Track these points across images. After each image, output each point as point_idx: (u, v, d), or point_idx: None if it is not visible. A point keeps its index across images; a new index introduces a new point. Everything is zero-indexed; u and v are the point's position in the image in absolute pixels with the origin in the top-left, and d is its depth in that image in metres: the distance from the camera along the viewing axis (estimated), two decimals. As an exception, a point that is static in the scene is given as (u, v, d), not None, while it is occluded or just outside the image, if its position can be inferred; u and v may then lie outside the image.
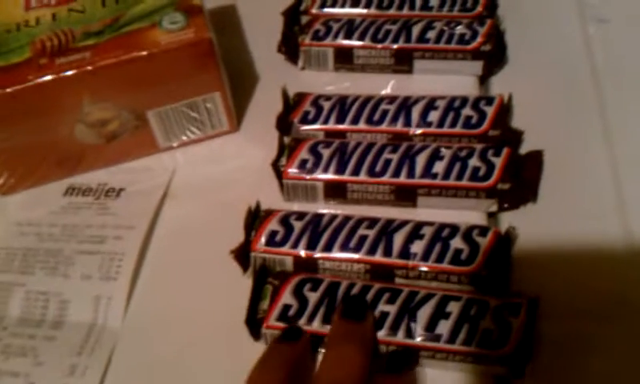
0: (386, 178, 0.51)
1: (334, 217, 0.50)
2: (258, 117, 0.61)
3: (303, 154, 0.53)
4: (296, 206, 0.54)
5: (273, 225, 0.50)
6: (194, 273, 0.51)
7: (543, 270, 0.48)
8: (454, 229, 0.48)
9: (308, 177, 0.53)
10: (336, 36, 0.61)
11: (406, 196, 0.52)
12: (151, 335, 0.49)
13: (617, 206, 0.51)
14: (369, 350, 0.42)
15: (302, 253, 0.48)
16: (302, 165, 0.53)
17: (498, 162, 0.50)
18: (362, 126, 0.55)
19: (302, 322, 0.45)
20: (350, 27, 0.61)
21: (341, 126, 0.56)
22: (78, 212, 0.56)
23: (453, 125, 0.54)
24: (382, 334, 0.44)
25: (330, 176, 0.52)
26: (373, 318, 0.44)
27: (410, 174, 0.51)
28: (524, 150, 0.54)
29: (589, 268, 0.48)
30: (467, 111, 0.54)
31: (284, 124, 0.57)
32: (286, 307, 0.45)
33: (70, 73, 0.51)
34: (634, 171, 0.53)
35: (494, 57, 0.59)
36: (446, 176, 0.50)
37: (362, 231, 0.48)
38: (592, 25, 0.63)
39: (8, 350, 0.49)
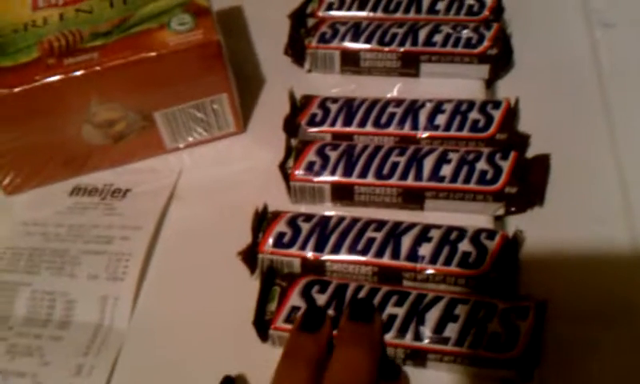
0: (393, 181, 0.51)
1: (341, 219, 0.50)
2: (264, 118, 0.61)
3: (310, 156, 0.53)
4: (303, 208, 0.54)
5: (280, 226, 0.50)
6: (200, 274, 0.51)
7: (550, 273, 0.48)
8: (461, 232, 0.48)
9: (315, 179, 0.53)
10: (342, 39, 0.61)
11: (413, 199, 0.52)
12: (158, 336, 0.49)
13: (623, 210, 0.51)
14: (376, 353, 0.42)
15: (310, 255, 0.48)
16: (310, 167, 0.53)
17: (506, 165, 0.51)
18: (369, 128, 0.55)
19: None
20: (356, 30, 0.61)
21: (348, 129, 0.56)
22: (85, 212, 0.56)
23: (460, 128, 0.54)
24: (390, 337, 0.44)
25: (337, 178, 0.52)
26: (380, 321, 0.44)
27: (418, 177, 0.51)
28: (531, 153, 0.54)
29: (595, 271, 0.48)
30: (474, 115, 0.54)
31: (291, 126, 0.57)
32: (294, 309, 0.45)
33: (77, 73, 0.51)
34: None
35: (500, 61, 0.59)
36: (454, 179, 0.50)
37: (369, 233, 0.48)
38: (598, 29, 0.63)
39: (14, 349, 0.49)
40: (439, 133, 0.54)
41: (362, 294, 0.45)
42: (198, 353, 0.47)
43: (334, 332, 0.44)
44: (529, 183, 0.51)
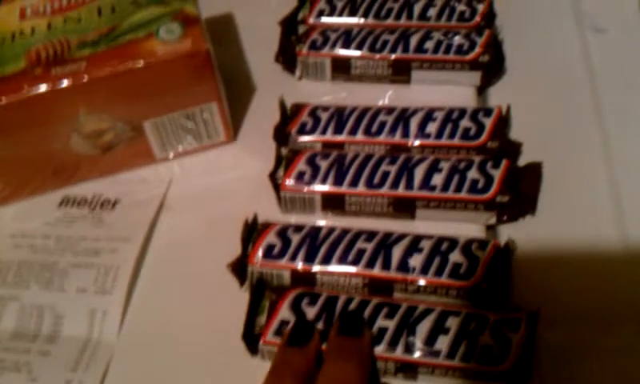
0: (384, 190, 0.51)
1: (331, 229, 0.49)
2: (255, 127, 0.61)
3: (301, 165, 0.53)
4: (293, 218, 0.53)
5: (270, 238, 0.49)
6: (190, 286, 0.51)
7: (543, 281, 0.48)
8: (452, 242, 0.47)
9: (306, 189, 0.52)
10: (333, 46, 0.60)
11: (404, 208, 0.51)
12: (147, 350, 0.49)
13: (616, 217, 0.51)
14: (366, 367, 0.42)
15: (300, 266, 0.48)
16: (300, 177, 0.52)
17: (497, 174, 0.50)
18: (359, 137, 0.55)
19: (300, 337, 0.44)
20: (347, 37, 0.61)
21: (338, 138, 0.55)
22: (73, 224, 0.55)
23: (451, 136, 0.53)
24: (380, 350, 0.43)
25: (327, 188, 0.52)
26: (370, 335, 0.43)
27: (409, 186, 0.51)
28: (523, 161, 0.53)
29: (588, 279, 0.48)
30: (465, 123, 0.54)
31: (281, 135, 0.56)
32: (284, 323, 0.45)
33: (65, 84, 0.50)
34: (633, 182, 0.53)
35: (492, 67, 0.58)
36: (445, 188, 0.50)
37: (360, 244, 0.48)
38: (589, 34, 0.62)
39: (2, 365, 0.48)
40: (430, 141, 0.54)
41: (352, 307, 0.45)
42: (187, 366, 0.47)
43: (324, 346, 0.43)
44: (520, 192, 0.50)
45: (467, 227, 0.51)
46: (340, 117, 0.56)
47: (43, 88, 0.50)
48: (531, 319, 0.43)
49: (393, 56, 0.59)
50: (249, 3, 0.71)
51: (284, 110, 0.58)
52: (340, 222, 0.52)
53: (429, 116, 0.54)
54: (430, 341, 0.43)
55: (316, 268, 0.48)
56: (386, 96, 0.61)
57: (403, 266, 0.47)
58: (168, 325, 0.49)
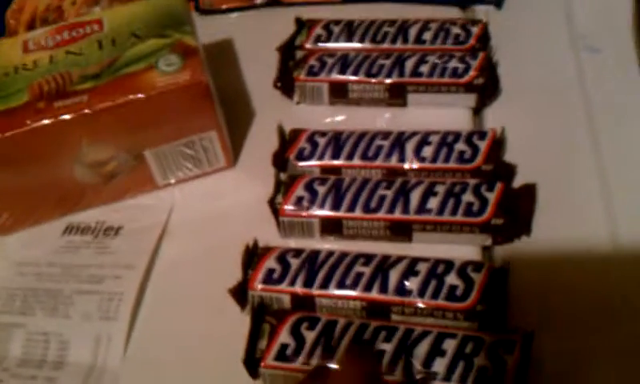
0: (381, 214, 0.52)
1: (330, 253, 0.50)
2: (254, 152, 0.62)
3: (299, 191, 0.54)
4: (292, 242, 0.54)
5: (270, 263, 0.50)
6: (192, 311, 0.52)
7: (539, 302, 0.49)
8: (448, 265, 0.48)
9: (304, 214, 0.53)
10: (330, 71, 0.62)
11: (401, 231, 0.52)
12: (151, 374, 0.50)
13: (611, 238, 0.51)
14: None
15: (299, 290, 0.49)
16: (298, 202, 0.53)
17: (492, 197, 0.51)
18: (356, 161, 0.56)
19: (300, 360, 0.45)
20: (344, 62, 0.62)
21: (336, 162, 0.56)
22: (77, 251, 0.57)
23: (446, 160, 0.54)
24: (378, 373, 0.44)
25: (325, 213, 0.53)
26: (379, 364, 0.44)
27: (405, 210, 0.52)
28: (517, 182, 0.54)
29: (585, 297, 0.49)
30: (460, 146, 0.54)
31: (280, 161, 0.57)
32: (284, 346, 0.46)
33: (67, 117, 0.52)
34: (628, 203, 0.53)
35: (486, 89, 0.59)
36: (441, 212, 0.51)
37: (358, 268, 0.49)
38: (584, 54, 0.63)
39: (9, 392, 0.49)
40: (426, 165, 0.55)
41: (351, 330, 0.46)
42: (190, 391, 0.48)
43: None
44: (515, 214, 0.51)
45: (463, 249, 0.52)
46: (337, 142, 0.57)
47: (46, 121, 0.51)
48: (526, 341, 0.44)
49: (389, 80, 0.60)
50: (248, 29, 0.72)
51: (282, 136, 0.59)
52: (338, 245, 0.53)
53: (424, 140, 0.55)
54: (427, 363, 0.44)
55: (315, 292, 0.49)
56: (384, 119, 0.62)
57: (400, 289, 0.48)
58: (171, 350, 0.50)
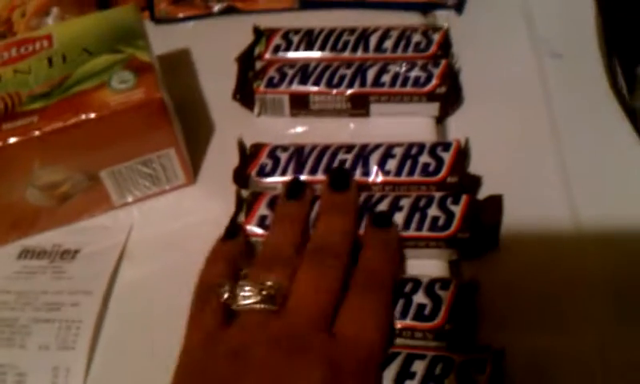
0: (345, 231, 0.51)
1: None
2: (215, 167, 0.60)
3: (262, 209, 0.52)
4: (257, 261, 0.53)
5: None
6: (154, 338, 0.50)
7: (509, 316, 0.48)
8: (415, 283, 0.47)
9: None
10: (291, 82, 0.60)
11: (366, 248, 0.51)
12: (112, 407, 0.48)
13: (578, 248, 0.51)
14: (354, 216, 0.50)
15: None
16: (262, 221, 0.52)
17: (457, 210, 0.50)
18: (320, 176, 0.54)
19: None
20: (304, 73, 0.60)
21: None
22: (33, 277, 0.54)
23: (411, 173, 0.53)
24: (347, 399, 0.43)
25: (289, 231, 0.52)
26: (356, 185, 0.52)
27: (370, 226, 0.51)
28: (483, 194, 0.53)
29: (553, 312, 0.48)
30: (424, 158, 0.54)
31: (241, 177, 0.56)
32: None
33: (16, 139, 0.49)
34: (594, 211, 0.53)
35: (449, 98, 0.59)
36: (406, 227, 0.50)
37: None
38: (546, 60, 0.63)
39: (-37, 430, 0.47)
40: (390, 178, 0.54)
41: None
42: (153, 424, 0.46)
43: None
44: (482, 227, 0.50)
45: (430, 264, 0.51)
46: (300, 156, 0.55)
47: (-6, 145, 0.49)
48: (497, 359, 0.43)
49: (350, 91, 0.59)
50: (205, 38, 0.70)
51: (243, 151, 0.57)
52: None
53: (388, 152, 0.54)
54: (396, 386, 0.43)
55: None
56: (347, 129, 0.61)
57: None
58: (133, 379, 0.49)
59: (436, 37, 0.62)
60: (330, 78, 0.60)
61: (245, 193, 0.55)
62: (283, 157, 0.56)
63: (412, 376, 0.43)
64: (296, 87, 0.60)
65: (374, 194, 0.52)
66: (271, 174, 0.55)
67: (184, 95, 0.61)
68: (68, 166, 0.53)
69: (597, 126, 0.58)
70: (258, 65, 0.63)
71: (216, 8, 0.72)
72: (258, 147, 0.57)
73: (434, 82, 0.58)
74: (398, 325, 0.46)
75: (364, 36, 0.63)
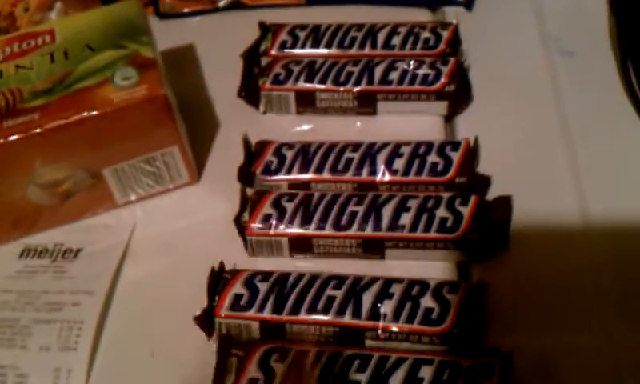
0: (352, 232, 0.50)
1: (300, 276, 0.48)
2: (219, 166, 0.59)
3: (266, 208, 0.51)
4: (261, 261, 0.52)
5: (237, 288, 0.48)
6: (157, 337, 0.50)
7: (518, 317, 0.48)
8: (423, 286, 0.46)
9: (272, 232, 0.51)
10: (297, 80, 0.59)
11: (373, 249, 0.50)
12: (113, 409, 0.47)
13: (589, 247, 0.50)
14: None
15: (268, 317, 0.47)
16: (266, 220, 0.51)
17: (466, 211, 0.49)
18: (326, 175, 0.53)
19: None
20: (311, 70, 0.59)
21: (305, 176, 0.54)
22: (34, 276, 0.54)
23: (419, 172, 0.52)
24: (353, 405, 0.42)
25: (294, 231, 0.51)
26: None
27: (377, 227, 0.50)
28: (492, 194, 0.52)
29: (563, 312, 0.47)
30: (433, 158, 0.53)
31: (246, 175, 0.55)
32: (252, 381, 0.43)
33: (17, 137, 0.49)
34: (605, 211, 0.52)
35: (458, 97, 0.58)
36: (414, 228, 0.49)
37: (329, 291, 0.47)
38: (557, 57, 0.62)
39: (-36, 432, 0.47)
40: (398, 177, 0.53)
41: (322, 361, 0.44)
42: (154, 427, 0.45)
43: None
44: (491, 228, 0.49)
45: (438, 266, 0.50)
46: (306, 155, 0.54)
47: (-5, 142, 0.48)
48: (505, 363, 0.43)
49: (357, 88, 0.58)
50: (210, 33, 0.69)
51: (248, 149, 0.56)
52: (308, 263, 0.51)
53: (396, 151, 0.53)
54: (403, 393, 0.42)
55: (285, 317, 0.47)
56: (353, 128, 0.60)
57: (374, 314, 0.46)
58: (135, 380, 0.48)
59: (445, 34, 0.61)
60: (336, 76, 0.59)
61: (249, 192, 0.54)
62: (289, 155, 0.55)
63: (419, 382, 0.42)
64: (302, 84, 0.59)
65: (381, 193, 0.51)
66: (277, 172, 0.54)
67: (188, 92, 0.60)
68: (70, 164, 0.52)
69: (608, 124, 0.57)
70: (264, 61, 0.62)
71: (221, 3, 0.71)
72: (263, 145, 0.56)
73: (442, 79, 0.57)
74: (405, 329, 0.45)
75: (372, 32, 0.62)
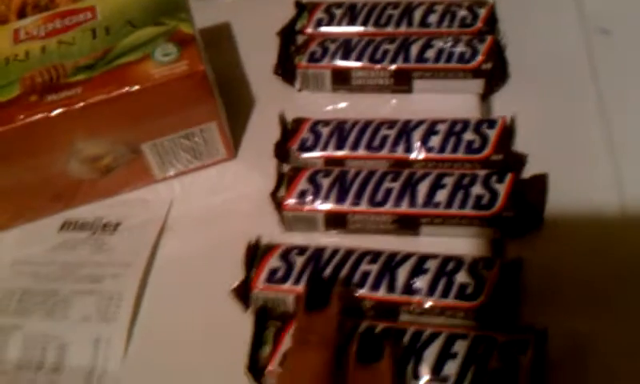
0: (387, 208, 0.50)
1: (335, 251, 0.49)
2: (255, 142, 0.60)
3: (302, 184, 0.52)
4: (296, 236, 0.53)
5: (273, 261, 0.48)
6: (194, 310, 0.50)
7: (551, 297, 0.47)
8: (458, 262, 0.47)
9: (307, 208, 0.51)
10: (333, 57, 0.59)
11: (408, 225, 0.50)
12: (151, 377, 0.48)
13: (624, 227, 0.50)
14: (331, 343, 0.40)
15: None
16: (302, 195, 0.52)
17: (502, 188, 0.49)
18: (361, 152, 0.54)
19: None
20: (347, 48, 0.59)
21: (340, 153, 0.54)
22: (75, 249, 0.55)
23: (454, 150, 0.52)
24: (387, 377, 0.42)
25: (330, 207, 0.51)
26: (336, 302, 0.42)
27: (412, 204, 0.50)
28: (528, 172, 0.52)
29: (596, 294, 0.47)
30: (469, 135, 0.53)
31: (282, 152, 0.56)
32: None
33: (60, 111, 0.50)
34: (640, 188, 0.52)
35: (494, 75, 0.57)
36: (449, 205, 0.49)
37: (364, 266, 0.47)
38: (594, 36, 0.61)
39: (8, 395, 0.48)
40: (433, 155, 0.53)
41: (360, 331, 0.44)
42: (192, 395, 0.46)
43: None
44: (526, 206, 0.49)
45: (473, 242, 0.50)
46: (341, 131, 0.55)
47: (38, 116, 0.49)
48: (540, 339, 0.43)
49: (394, 66, 0.58)
50: (246, 12, 0.70)
51: (284, 126, 0.57)
52: (343, 239, 0.51)
53: (431, 129, 0.53)
54: (437, 367, 0.42)
55: (320, 292, 0.47)
56: (388, 106, 0.60)
57: (409, 288, 0.46)
58: (172, 351, 0.49)
59: (482, 12, 0.61)
60: (372, 53, 0.59)
61: (285, 168, 0.54)
62: (325, 132, 0.55)
63: (454, 356, 0.42)
64: (338, 62, 0.59)
65: (417, 171, 0.52)
66: (312, 148, 0.55)
67: (225, 70, 0.60)
68: (111, 139, 0.53)
69: (646, 104, 0.57)
70: (300, 39, 0.63)
71: (257, -18, 0.71)
72: (299, 122, 0.57)
73: (479, 58, 0.57)
74: (440, 304, 0.45)
75: (408, 10, 0.62)
